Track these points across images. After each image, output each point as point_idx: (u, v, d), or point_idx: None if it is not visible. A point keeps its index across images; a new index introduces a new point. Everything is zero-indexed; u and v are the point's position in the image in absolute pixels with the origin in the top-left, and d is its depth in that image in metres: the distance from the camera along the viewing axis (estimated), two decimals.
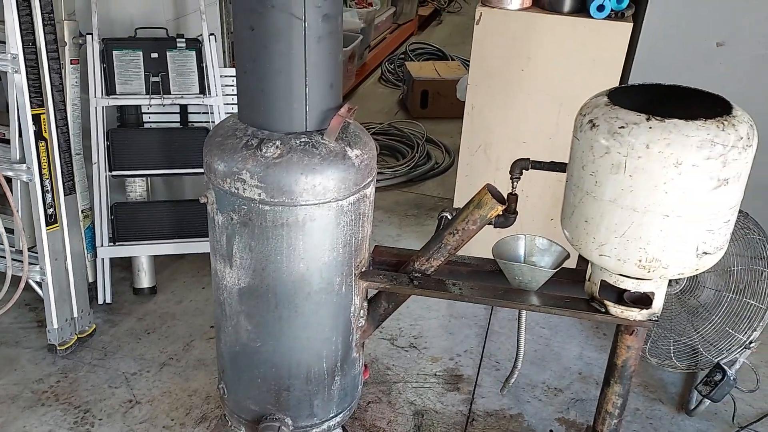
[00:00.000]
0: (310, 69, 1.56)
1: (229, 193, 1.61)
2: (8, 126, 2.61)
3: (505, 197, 1.75)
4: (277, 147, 1.57)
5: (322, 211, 1.62)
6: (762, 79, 2.77)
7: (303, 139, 1.60)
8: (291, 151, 1.57)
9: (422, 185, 4.33)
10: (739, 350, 2.36)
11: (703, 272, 2.45)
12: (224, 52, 3.40)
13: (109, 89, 2.75)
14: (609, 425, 1.85)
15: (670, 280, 2.56)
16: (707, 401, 2.39)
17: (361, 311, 1.87)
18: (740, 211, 2.49)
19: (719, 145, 1.36)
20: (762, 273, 2.35)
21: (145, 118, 2.90)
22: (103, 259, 2.86)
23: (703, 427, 2.43)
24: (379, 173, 4.17)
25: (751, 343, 2.34)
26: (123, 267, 3.12)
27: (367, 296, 1.89)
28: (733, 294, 2.40)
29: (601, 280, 1.66)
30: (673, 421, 2.46)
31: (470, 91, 3.00)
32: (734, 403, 2.46)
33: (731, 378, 2.30)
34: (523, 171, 1.87)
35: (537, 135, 2.92)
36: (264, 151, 1.57)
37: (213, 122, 2.88)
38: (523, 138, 2.95)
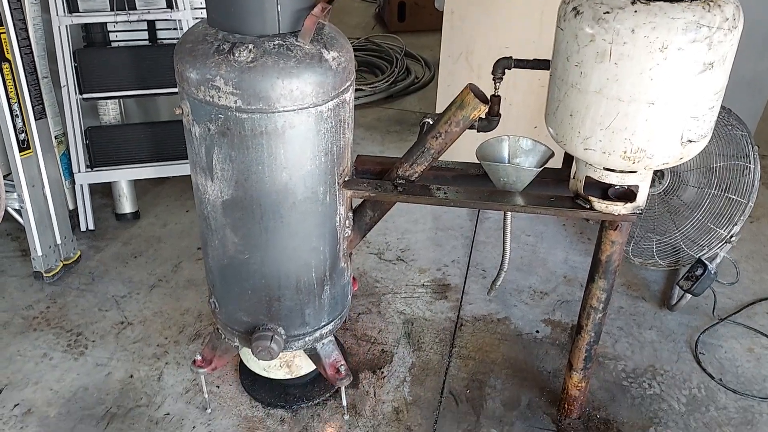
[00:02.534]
0: None
1: (204, 101, 1.55)
2: None
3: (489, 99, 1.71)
4: (250, 51, 1.51)
5: (301, 118, 1.57)
6: None
7: (277, 42, 1.53)
8: (265, 54, 1.51)
9: (403, 101, 4.26)
10: (720, 245, 2.40)
11: (686, 170, 2.47)
12: None
13: (71, 6, 2.62)
14: (593, 320, 1.89)
15: (653, 179, 2.58)
16: (688, 296, 2.46)
17: (347, 221, 1.86)
18: (722, 107, 2.48)
19: (705, 26, 1.32)
20: (745, 168, 2.37)
21: (112, 36, 2.77)
22: (81, 185, 2.81)
23: (685, 320, 2.51)
24: (358, 90, 4.10)
25: (731, 237, 2.38)
26: (104, 193, 3.08)
27: (351, 206, 1.88)
28: (715, 190, 2.43)
29: (586, 177, 1.65)
30: (655, 316, 2.53)
31: None
32: (714, 296, 2.54)
33: (712, 272, 2.35)
34: (506, 71, 1.82)
35: (520, 40, 2.84)
36: (237, 55, 1.50)
37: None
38: (506, 43, 2.86)
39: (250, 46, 1.51)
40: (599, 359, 2.33)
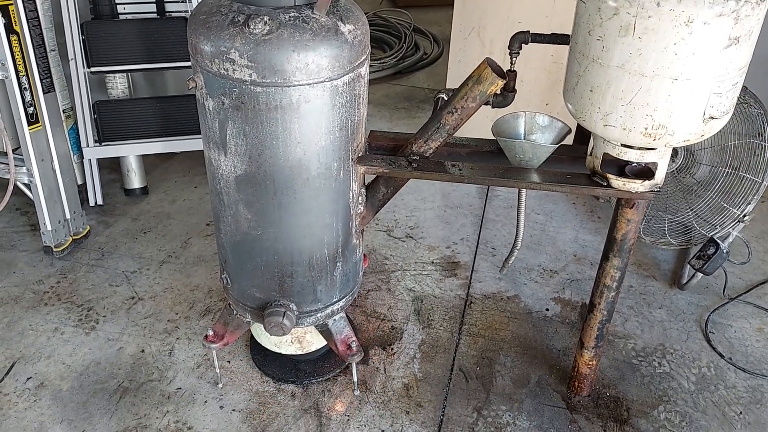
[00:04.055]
0: None
1: (218, 75, 1.53)
2: None
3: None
4: (265, 23, 1.48)
5: (316, 92, 1.55)
6: None
7: (292, 14, 1.51)
8: (281, 26, 1.49)
9: (411, 77, 4.22)
10: (732, 224, 2.39)
11: (700, 149, 2.44)
12: None
13: None
14: (607, 298, 1.89)
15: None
16: (699, 275, 2.45)
17: (360, 197, 1.85)
18: None
19: (732, 0, 1.30)
20: (759, 147, 2.34)
21: (120, 9, 2.74)
22: (90, 160, 2.80)
23: (695, 299, 2.50)
24: None
25: (744, 216, 2.37)
26: (112, 168, 3.07)
27: (364, 182, 1.87)
28: (728, 169, 2.40)
29: (604, 154, 1.63)
30: (665, 295, 2.53)
31: None
32: (726, 275, 2.53)
33: (724, 251, 2.34)
34: (522, 46, 1.80)
35: (533, 14, 2.80)
36: (252, 27, 1.48)
37: (191, 11, 2.73)
38: (518, 18, 2.83)
39: (266, 18, 1.48)
40: (609, 338, 2.33)
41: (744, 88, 2.44)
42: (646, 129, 1.46)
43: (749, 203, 2.36)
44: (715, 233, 2.41)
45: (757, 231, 2.86)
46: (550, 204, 3.02)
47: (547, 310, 2.46)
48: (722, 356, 2.27)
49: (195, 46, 1.56)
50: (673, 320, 2.41)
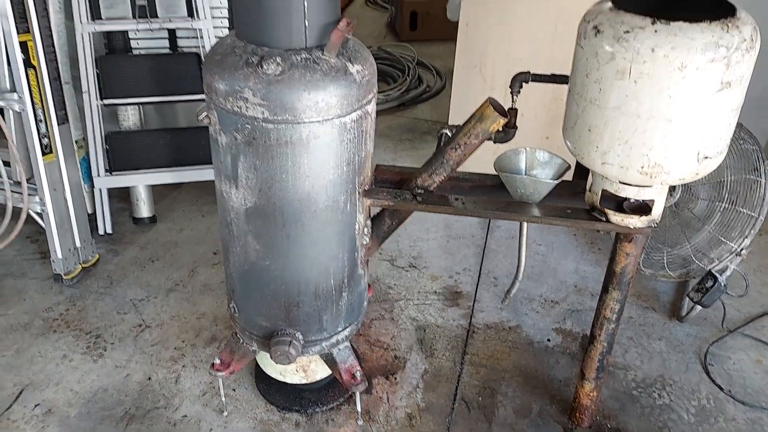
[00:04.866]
0: None
1: (232, 112, 1.60)
2: None
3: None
4: (278, 64, 1.55)
5: (325, 129, 1.62)
6: None
7: (304, 55, 1.58)
8: (292, 67, 1.56)
9: (415, 109, 4.31)
10: (730, 258, 2.43)
11: (697, 184, 2.50)
12: None
13: (94, 14, 2.67)
14: (606, 330, 1.92)
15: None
16: (698, 307, 2.49)
17: (365, 229, 1.90)
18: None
19: (723, 47, 1.36)
20: (755, 183, 2.40)
21: (134, 44, 2.83)
22: (100, 189, 2.86)
23: (694, 331, 2.54)
24: None
25: (742, 250, 2.41)
26: (121, 198, 3.13)
27: (370, 214, 1.92)
28: (725, 204, 2.46)
29: (602, 190, 1.69)
30: (665, 327, 2.56)
31: (464, 7, 2.94)
32: (724, 308, 2.57)
33: (722, 284, 2.39)
34: (523, 84, 1.87)
35: (533, 52, 2.89)
36: (265, 68, 1.55)
37: (203, 47, 2.82)
38: (519, 55, 2.91)
39: (278, 59, 1.55)
40: (610, 369, 2.36)
41: (739, 125, 2.51)
42: (642, 168, 1.51)
43: (746, 237, 2.40)
44: (713, 266, 2.45)
45: (754, 264, 2.90)
46: (551, 235, 3.07)
47: (549, 340, 2.49)
48: (721, 388, 2.30)
49: (210, 84, 1.63)
50: (673, 352, 2.44)
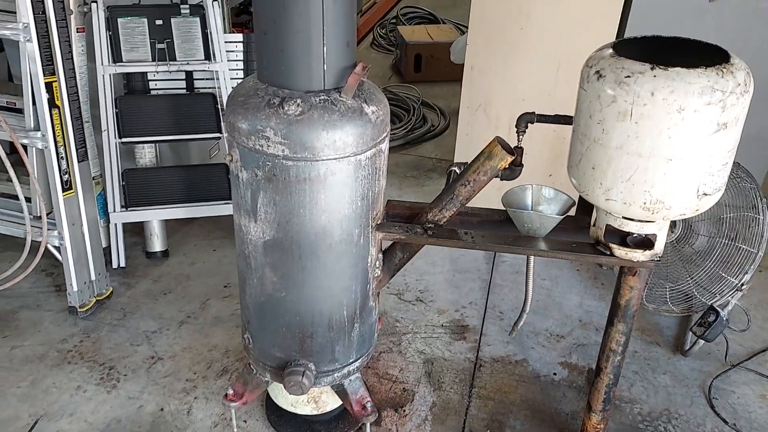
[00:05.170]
0: (328, 28, 1.63)
1: (254, 150, 1.68)
2: (16, 95, 2.67)
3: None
4: (298, 105, 1.64)
5: (342, 166, 1.70)
6: (752, 34, 2.86)
7: (322, 97, 1.67)
8: (312, 108, 1.65)
9: (420, 147, 4.41)
10: (731, 293, 2.49)
11: (697, 220, 2.58)
12: (224, 18, 3.43)
13: (116, 57, 2.79)
14: (612, 362, 1.97)
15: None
16: (701, 341, 2.54)
17: (377, 262, 1.96)
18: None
19: (719, 91, 1.45)
20: (754, 219, 2.47)
21: (152, 85, 2.94)
22: (116, 224, 2.93)
23: (697, 365, 2.58)
24: None
25: (742, 285, 2.47)
26: (134, 232, 3.20)
27: (381, 247, 1.99)
28: (725, 240, 2.53)
29: (606, 225, 1.76)
30: (669, 361, 2.60)
31: (469, 51, 3.06)
32: (726, 342, 2.61)
33: (724, 319, 2.44)
34: (529, 124, 1.96)
35: (536, 92, 3.00)
36: (286, 108, 1.64)
37: (218, 88, 2.93)
38: (523, 96, 3.02)
39: (299, 101, 1.64)
40: (615, 402, 2.39)
41: (737, 164, 2.60)
42: (644, 203, 1.59)
43: (746, 273, 2.47)
44: (715, 301, 2.51)
45: (755, 299, 2.96)
46: (555, 269, 3.13)
47: (555, 374, 2.53)
48: (726, 422, 2.33)
49: (233, 124, 1.71)
50: (678, 386, 2.48)
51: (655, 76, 1.47)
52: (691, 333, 2.55)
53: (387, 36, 6.26)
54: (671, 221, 2.68)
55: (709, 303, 2.51)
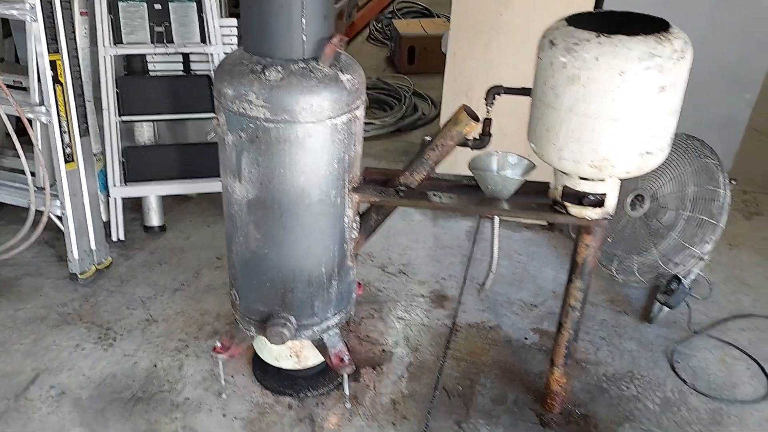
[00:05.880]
0: (307, 2, 1.78)
1: (238, 113, 1.84)
2: (23, 75, 2.84)
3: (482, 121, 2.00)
4: (278, 71, 1.80)
5: (318, 128, 1.85)
6: (725, 19, 2.98)
7: (301, 65, 1.83)
8: (291, 75, 1.80)
9: (410, 135, 4.57)
10: (693, 262, 2.63)
11: (665, 195, 2.72)
12: (220, 3, 3.58)
13: (116, 39, 2.95)
14: (572, 317, 2.12)
15: (635, 203, 2.83)
16: (666, 309, 2.68)
17: (354, 224, 2.12)
18: (698, 139, 2.76)
19: (657, 56, 1.60)
20: (715, 193, 2.62)
21: (150, 66, 3.10)
22: (115, 198, 3.10)
23: (663, 332, 2.72)
24: (368, 124, 4.42)
25: (704, 254, 2.61)
26: (133, 209, 3.36)
27: (359, 211, 2.14)
28: (689, 213, 2.67)
29: (563, 186, 1.91)
30: (636, 328, 2.74)
31: (452, 38, 3.22)
32: (690, 311, 2.75)
33: (686, 286, 2.58)
34: (496, 96, 2.11)
35: (516, 77, 3.11)
36: (267, 75, 1.79)
37: (213, 70, 3.09)
38: (504, 80, 3.15)
39: (279, 68, 1.80)
40: (582, 364, 2.53)
41: (702, 142, 2.74)
42: (592, 161, 1.74)
43: (707, 243, 2.61)
44: (679, 271, 2.65)
45: (723, 275, 3.09)
46: (533, 246, 3.27)
47: (526, 338, 2.67)
48: (686, 382, 2.47)
49: (220, 90, 1.87)
50: (642, 350, 2.62)
51: (599, 43, 1.62)
52: (656, 301, 2.70)
53: (383, 30, 6.42)
54: (639, 195, 2.84)
55: (673, 272, 2.65)
